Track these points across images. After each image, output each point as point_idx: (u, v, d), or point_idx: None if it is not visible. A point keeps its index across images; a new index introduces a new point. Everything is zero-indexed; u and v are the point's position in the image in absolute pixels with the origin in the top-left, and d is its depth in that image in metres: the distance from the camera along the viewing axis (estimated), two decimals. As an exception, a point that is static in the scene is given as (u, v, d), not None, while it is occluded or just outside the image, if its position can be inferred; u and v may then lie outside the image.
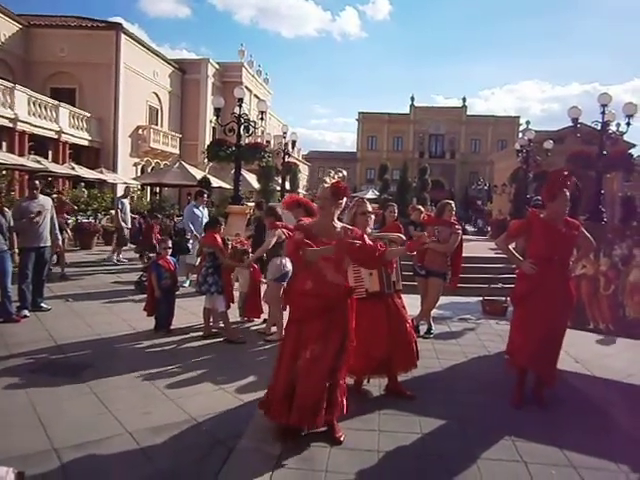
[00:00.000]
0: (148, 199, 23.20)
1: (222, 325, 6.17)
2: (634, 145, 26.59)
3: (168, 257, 6.47)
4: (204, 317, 6.18)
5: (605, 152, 12.63)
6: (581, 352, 5.78)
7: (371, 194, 28.04)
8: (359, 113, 59.16)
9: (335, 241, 3.33)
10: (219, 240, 6.13)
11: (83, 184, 15.40)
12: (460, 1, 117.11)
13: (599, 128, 12.50)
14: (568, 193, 4.20)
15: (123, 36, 24.56)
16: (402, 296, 4.59)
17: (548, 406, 4.24)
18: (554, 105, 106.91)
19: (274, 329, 6.21)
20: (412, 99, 57.21)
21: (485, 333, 6.72)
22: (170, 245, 6.68)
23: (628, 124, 12.25)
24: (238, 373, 4.85)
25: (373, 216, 4.30)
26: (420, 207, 7.98)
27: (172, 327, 6.27)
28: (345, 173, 3.78)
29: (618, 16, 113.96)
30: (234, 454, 3.32)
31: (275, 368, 3.57)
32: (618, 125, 12.81)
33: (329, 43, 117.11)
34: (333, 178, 3.50)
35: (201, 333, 6.13)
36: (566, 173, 4.32)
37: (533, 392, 4.36)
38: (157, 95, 28.76)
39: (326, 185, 3.47)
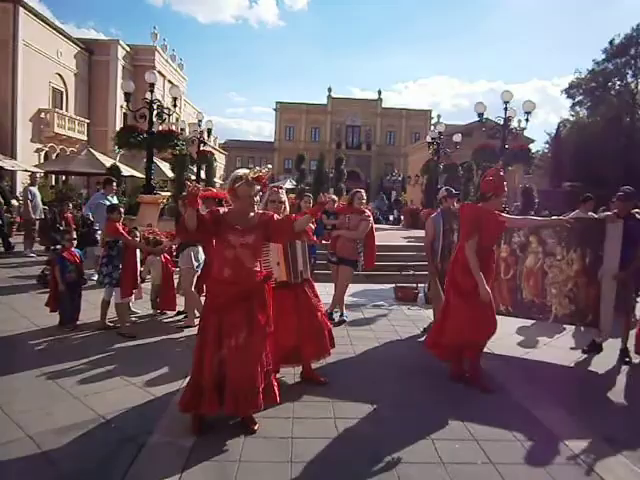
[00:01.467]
0: (52, 188, 21.75)
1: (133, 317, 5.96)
2: (533, 141, 28.62)
3: (73, 249, 6.13)
4: (101, 308, 5.97)
5: (507, 146, 13.51)
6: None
7: (289, 184, 28.06)
8: (277, 103, 58.90)
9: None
10: (120, 228, 5.88)
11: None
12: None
13: (502, 123, 13.35)
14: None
15: (22, 10, 22.66)
16: (317, 285, 4.65)
17: (453, 384, 4.50)
18: (463, 100, 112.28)
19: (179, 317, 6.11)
20: (329, 90, 57.77)
21: (397, 319, 6.97)
22: (75, 236, 6.31)
23: (527, 120, 13.21)
24: (149, 367, 4.71)
25: (287, 206, 4.30)
26: (334, 196, 8.14)
27: (78, 322, 5.96)
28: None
29: (522, 19, 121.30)
30: (144, 450, 3.23)
31: (196, 362, 3.48)
32: (519, 121, 13.73)
33: (246, 30, 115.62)
34: (260, 172, 3.47)
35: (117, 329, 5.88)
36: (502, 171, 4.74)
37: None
38: (61, 76, 26.93)
39: (247, 176, 3.43)
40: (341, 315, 6.67)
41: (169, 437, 3.39)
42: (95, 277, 8.49)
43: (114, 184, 9.56)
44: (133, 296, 6.50)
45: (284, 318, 4.04)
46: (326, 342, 4.38)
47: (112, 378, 4.45)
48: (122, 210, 6.13)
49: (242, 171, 3.53)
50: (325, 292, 5.66)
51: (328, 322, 4.64)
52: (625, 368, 5.29)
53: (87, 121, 28.40)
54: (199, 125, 18.75)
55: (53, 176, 22.57)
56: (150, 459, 3.14)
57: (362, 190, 6.68)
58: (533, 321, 5.82)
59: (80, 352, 5.11)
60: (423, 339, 6.04)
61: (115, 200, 9.30)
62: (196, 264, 6.09)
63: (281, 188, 4.36)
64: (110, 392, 4.15)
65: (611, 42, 39.60)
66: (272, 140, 59.71)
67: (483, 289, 4.30)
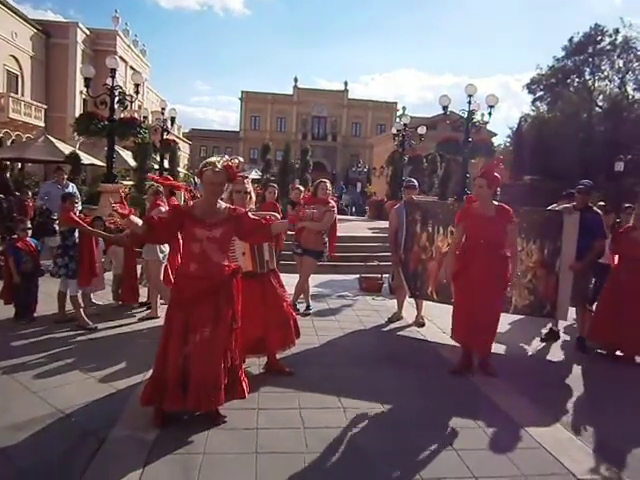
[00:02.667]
0: (8, 175, 20.92)
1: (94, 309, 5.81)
2: (496, 134, 29.19)
3: (28, 239, 5.92)
4: (58, 301, 5.79)
5: (470, 139, 13.73)
6: (447, 323, 6.20)
7: (254, 174, 27.79)
8: (242, 92, 58.12)
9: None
10: (74, 216, 5.68)
11: None
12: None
13: (465, 116, 13.56)
14: (485, 181, 4.52)
15: (-28, -11, 21.71)
16: (283, 275, 4.63)
17: (415, 373, 4.58)
18: (428, 93, 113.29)
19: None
20: (295, 80, 57.38)
21: (361, 309, 7.02)
22: (30, 226, 6.09)
23: (490, 114, 13.46)
24: (110, 360, 4.60)
25: (253, 196, 4.26)
26: (300, 187, 8.09)
27: (36, 315, 5.79)
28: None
29: (486, 15, 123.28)
30: (105, 444, 3.15)
31: (159, 356, 3.42)
32: (482, 115, 13.97)
33: (211, 18, 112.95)
34: (230, 161, 3.42)
35: (75, 322, 5.70)
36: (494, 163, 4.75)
37: (480, 363, 4.72)
38: (16, 59, 25.84)
39: (217, 168, 3.36)
40: (308, 306, 6.66)
41: (131, 430, 3.32)
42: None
43: (64, 172, 9.31)
44: (93, 286, 6.36)
45: (250, 308, 4.02)
46: (291, 332, 4.38)
47: (71, 372, 4.34)
48: (77, 198, 5.92)
49: (214, 158, 3.47)
50: (291, 283, 5.66)
51: (293, 312, 4.64)
52: (581, 355, 5.48)
53: (44, 107, 27.35)
54: (162, 113, 18.35)
55: (8, 163, 21.70)
56: (111, 453, 3.07)
57: (326, 180, 6.65)
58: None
59: (38, 345, 4.96)
60: (387, 329, 6.15)
61: (71, 188, 9.01)
62: (161, 255, 5.97)
63: (246, 178, 4.30)
64: (69, 386, 4.04)
65: (570, 40, 40.67)
66: (237, 130, 59.00)
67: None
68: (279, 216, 4.76)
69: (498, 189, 4.73)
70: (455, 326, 4.83)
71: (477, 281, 4.53)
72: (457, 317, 4.79)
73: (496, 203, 4.66)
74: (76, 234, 5.69)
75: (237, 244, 4.13)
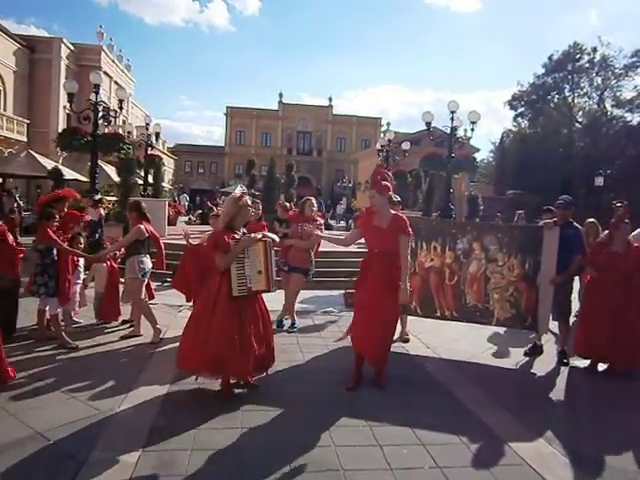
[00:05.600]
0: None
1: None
2: (478, 150, 29.62)
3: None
4: (38, 319, 5.71)
5: (453, 154, 13.91)
6: (431, 338, 6.31)
7: (239, 189, 27.77)
8: (227, 107, 58.24)
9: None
10: (52, 235, 5.51)
11: None
12: (327, 5, 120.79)
13: (448, 132, 13.75)
14: (374, 191, 4.56)
15: (-45, 5, 21.59)
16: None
17: (400, 389, 4.57)
18: (411, 109, 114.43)
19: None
20: (280, 96, 57.72)
21: (346, 325, 6.85)
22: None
23: (472, 130, 13.66)
24: (92, 380, 4.52)
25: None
26: (286, 204, 8.15)
27: (15, 333, 5.66)
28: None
29: (465, 33, 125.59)
30: (86, 467, 3.09)
31: None
32: (465, 130, 14.19)
33: (196, 34, 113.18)
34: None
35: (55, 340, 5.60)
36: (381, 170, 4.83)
37: (375, 374, 4.70)
38: (-1, 74, 25.72)
39: None
40: (293, 323, 6.63)
41: (112, 452, 3.26)
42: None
43: None
44: (76, 305, 6.29)
45: (257, 326, 4.10)
46: (274, 348, 4.42)
47: (51, 392, 4.25)
48: (55, 214, 5.76)
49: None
50: (274, 299, 5.63)
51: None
52: (564, 369, 5.52)
53: (27, 121, 27.14)
54: (147, 128, 18.33)
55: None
56: (92, 476, 3.01)
57: (312, 198, 6.71)
58: (476, 325, 5.98)
59: (17, 365, 4.81)
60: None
61: None
62: (140, 274, 5.90)
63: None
64: (49, 407, 3.96)
65: (550, 58, 41.63)
66: (222, 145, 59.02)
67: None
68: (266, 231, 4.83)
69: (392, 195, 4.68)
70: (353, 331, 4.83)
71: (369, 289, 4.54)
72: (353, 323, 4.80)
73: (393, 212, 4.63)
74: (54, 252, 5.58)
75: (251, 262, 4.11)
